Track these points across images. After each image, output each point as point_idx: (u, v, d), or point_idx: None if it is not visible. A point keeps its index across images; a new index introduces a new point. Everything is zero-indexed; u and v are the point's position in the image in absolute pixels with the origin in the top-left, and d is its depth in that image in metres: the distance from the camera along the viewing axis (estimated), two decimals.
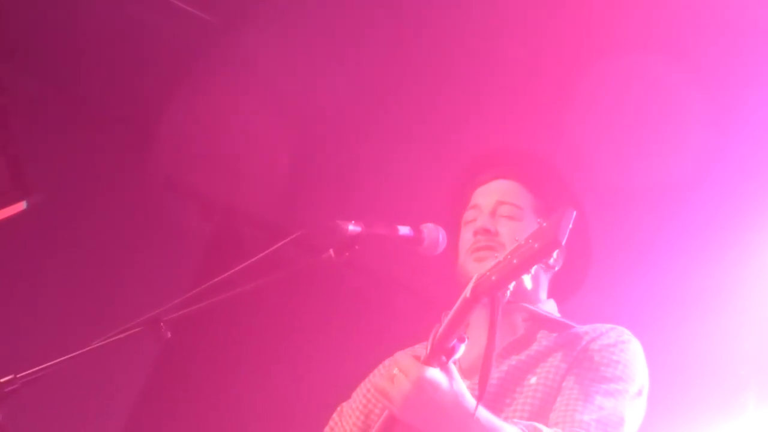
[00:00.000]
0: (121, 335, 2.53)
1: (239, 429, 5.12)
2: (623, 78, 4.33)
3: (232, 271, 2.65)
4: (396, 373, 2.50)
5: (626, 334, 2.90)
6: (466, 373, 2.67)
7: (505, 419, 2.59)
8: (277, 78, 4.78)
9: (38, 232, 5.07)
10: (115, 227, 5.23)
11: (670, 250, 4.74)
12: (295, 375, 5.17)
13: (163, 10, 4.71)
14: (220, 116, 4.93)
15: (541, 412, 2.73)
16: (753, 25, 4.12)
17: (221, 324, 4.79)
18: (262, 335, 5.26)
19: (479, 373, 2.43)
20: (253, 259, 2.67)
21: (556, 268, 3.04)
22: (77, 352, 2.51)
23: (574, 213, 2.39)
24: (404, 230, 2.83)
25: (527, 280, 2.47)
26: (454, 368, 2.50)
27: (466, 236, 3.03)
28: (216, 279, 2.64)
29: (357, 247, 2.72)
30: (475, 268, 2.78)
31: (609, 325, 2.93)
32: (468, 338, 2.49)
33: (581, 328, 2.92)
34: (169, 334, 2.54)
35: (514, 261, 2.40)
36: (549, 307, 3.04)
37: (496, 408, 2.65)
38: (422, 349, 2.56)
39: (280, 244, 2.71)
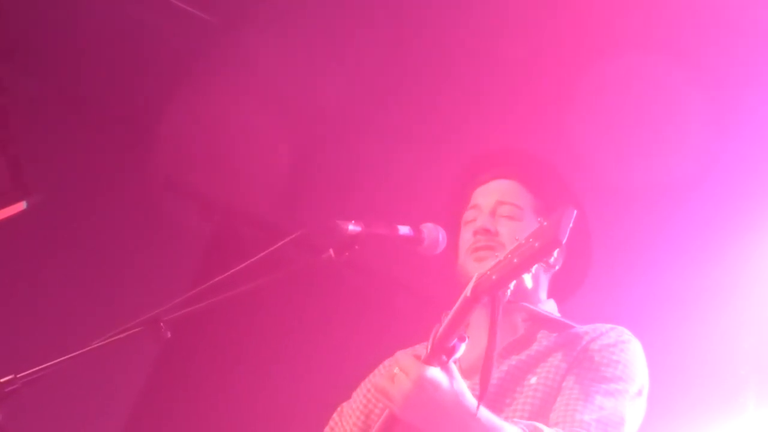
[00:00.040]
0: (121, 335, 2.53)
1: (239, 429, 5.11)
2: (623, 78, 4.33)
3: (232, 271, 2.65)
4: (396, 372, 2.50)
5: (626, 334, 2.90)
6: (466, 374, 2.67)
7: (505, 419, 2.59)
8: (277, 78, 4.78)
9: (38, 232, 5.07)
10: (115, 227, 5.23)
11: (669, 250, 4.74)
12: (295, 375, 5.17)
13: (163, 10, 4.71)
14: (220, 116, 4.93)
15: (541, 412, 2.73)
16: (753, 25, 4.12)
17: (221, 324, 4.78)
18: (262, 335, 5.25)
19: (481, 372, 2.43)
20: (253, 259, 2.67)
21: (557, 268, 3.04)
22: (77, 352, 2.50)
23: (575, 212, 2.39)
24: (404, 230, 2.83)
25: (528, 279, 2.47)
26: (454, 367, 2.49)
27: (466, 236, 3.03)
28: (216, 279, 2.64)
29: (357, 246, 2.71)
30: (475, 268, 2.77)
31: (609, 325, 2.93)
32: (468, 338, 2.50)
33: (581, 328, 2.92)
34: (168, 334, 2.54)
35: (515, 260, 2.40)
36: (549, 307, 3.04)
37: (496, 408, 2.65)
38: (423, 348, 2.56)
39: (279, 244, 2.71)
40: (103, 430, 5.02)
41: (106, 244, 5.20)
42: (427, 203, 3.51)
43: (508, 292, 2.46)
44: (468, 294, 2.47)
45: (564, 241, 2.34)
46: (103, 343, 2.52)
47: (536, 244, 2.37)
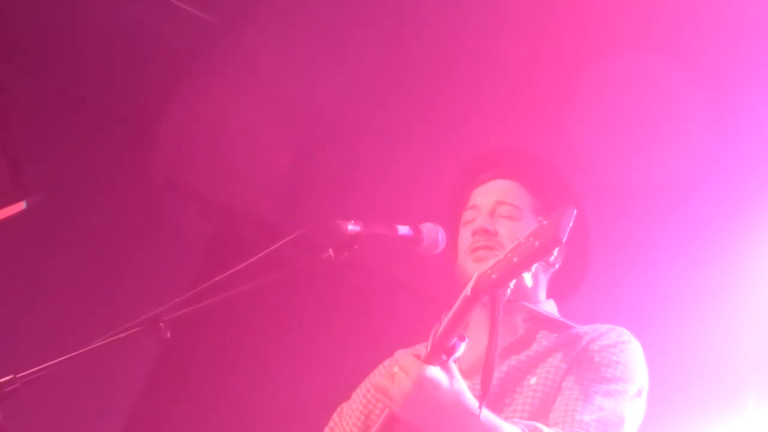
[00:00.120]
0: (121, 335, 2.53)
1: (239, 429, 5.11)
2: (623, 78, 4.33)
3: (232, 271, 2.65)
4: (396, 372, 2.50)
5: (626, 335, 2.90)
6: (466, 374, 2.67)
7: (505, 419, 2.59)
8: (277, 78, 4.78)
9: (38, 232, 5.07)
10: (115, 227, 5.23)
11: (669, 250, 4.74)
12: (295, 375, 5.17)
13: (163, 10, 4.71)
14: (220, 116, 4.93)
15: (541, 413, 2.73)
16: (753, 25, 4.12)
17: (221, 324, 4.79)
18: (261, 335, 5.25)
19: (482, 371, 2.42)
20: (253, 259, 2.67)
21: (556, 266, 3.04)
22: (77, 352, 2.51)
23: (575, 211, 2.39)
24: (404, 230, 2.83)
25: (527, 278, 2.47)
26: (454, 367, 2.49)
27: (465, 236, 3.03)
28: (216, 279, 2.64)
29: (356, 246, 2.72)
30: (474, 268, 2.77)
31: (609, 326, 2.93)
32: (468, 338, 2.49)
33: (581, 329, 2.92)
34: (168, 334, 2.54)
35: (515, 259, 2.40)
36: (549, 307, 3.04)
37: (495, 408, 2.65)
38: (423, 348, 2.56)
39: (279, 243, 2.71)
40: (103, 430, 5.02)
41: (106, 244, 5.20)
42: (426, 203, 3.51)
43: (508, 291, 2.46)
44: (468, 293, 2.47)
45: (564, 240, 2.34)
46: (103, 343, 2.52)
47: (536, 243, 2.37)
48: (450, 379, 2.47)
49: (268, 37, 4.68)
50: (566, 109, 4.45)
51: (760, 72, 4.26)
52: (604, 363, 2.80)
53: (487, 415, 2.49)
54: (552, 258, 2.63)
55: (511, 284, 2.44)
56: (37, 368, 2.46)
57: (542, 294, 3.06)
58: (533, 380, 2.79)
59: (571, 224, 2.36)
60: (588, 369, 2.79)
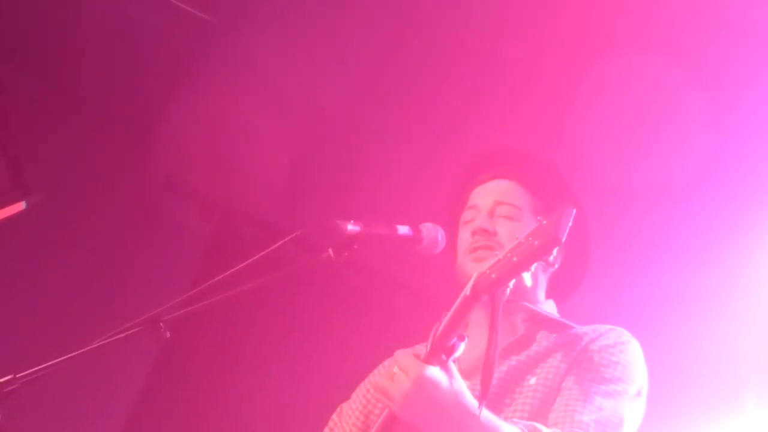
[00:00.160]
0: (121, 335, 2.53)
1: (239, 429, 5.11)
2: (623, 78, 4.33)
3: (232, 271, 2.65)
4: (396, 372, 2.50)
5: (626, 335, 2.90)
6: (466, 375, 2.66)
7: (505, 419, 2.59)
8: (277, 78, 4.78)
9: (38, 232, 5.07)
10: (115, 227, 5.23)
11: (669, 250, 4.74)
12: (295, 375, 5.17)
13: (163, 10, 4.71)
14: (220, 116, 4.93)
15: (540, 413, 2.73)
16: (753, 25, 4.12)
17: (221, 324, 4.79)
18: (261, 335, 5.25)
19: (482, 371, 2.43)
20: (253, 259, 2.67)
21: (556, 266, 3.03)
22: (77, 352, 2.51)
23: (574, 211, 2.39)
24: (403, 230, 2.83)
25: (527, 278, 2.47)
26: (454, 367, 2.49)
27: (464, 236, 3.03)
28: (216, 279, 2.64)
29: (356, 246, 2.72)
30: (473, 268, 2.77)
31: (608, 326, 2.93)
32: (467, 338, 2.49)
33: (581, 329, 2.92)
34: (168, 334, 2.54)
35: (514, 259, 2.40)
36: (548, 308, 3.04)
37: (495, 408, 2.65)
38: (422, 348, 2.56)
39: (279, 243, 2.71)
40: (103, 430, 5.02)
41: (106, 244, 5.20)
42: (426, 203, 3.51)
43: (508, 290, 2.46)
44: (468, 293, 2.47)
45: (563, 240, 2.34)
46: (103, 343, 2.52)
47: (536, 243, 2.37)
48: (450, 379, 2.47)
49: (268, 37, 4.68)
50: (566, 109, 4.45)
51: (760, 72, 4.26)
52: (604, 363, 2.80)
53: (486, 415, 2.49)
54: (551, 258, 2.64)
55: (511, 284, 2.45)
56: (37, 368, 2.46)
57: (542, 294, 3.06)
58: (533, 380, 2.79)
59: (570, 224, 2.36)
60: (588, 369, 2.79)
